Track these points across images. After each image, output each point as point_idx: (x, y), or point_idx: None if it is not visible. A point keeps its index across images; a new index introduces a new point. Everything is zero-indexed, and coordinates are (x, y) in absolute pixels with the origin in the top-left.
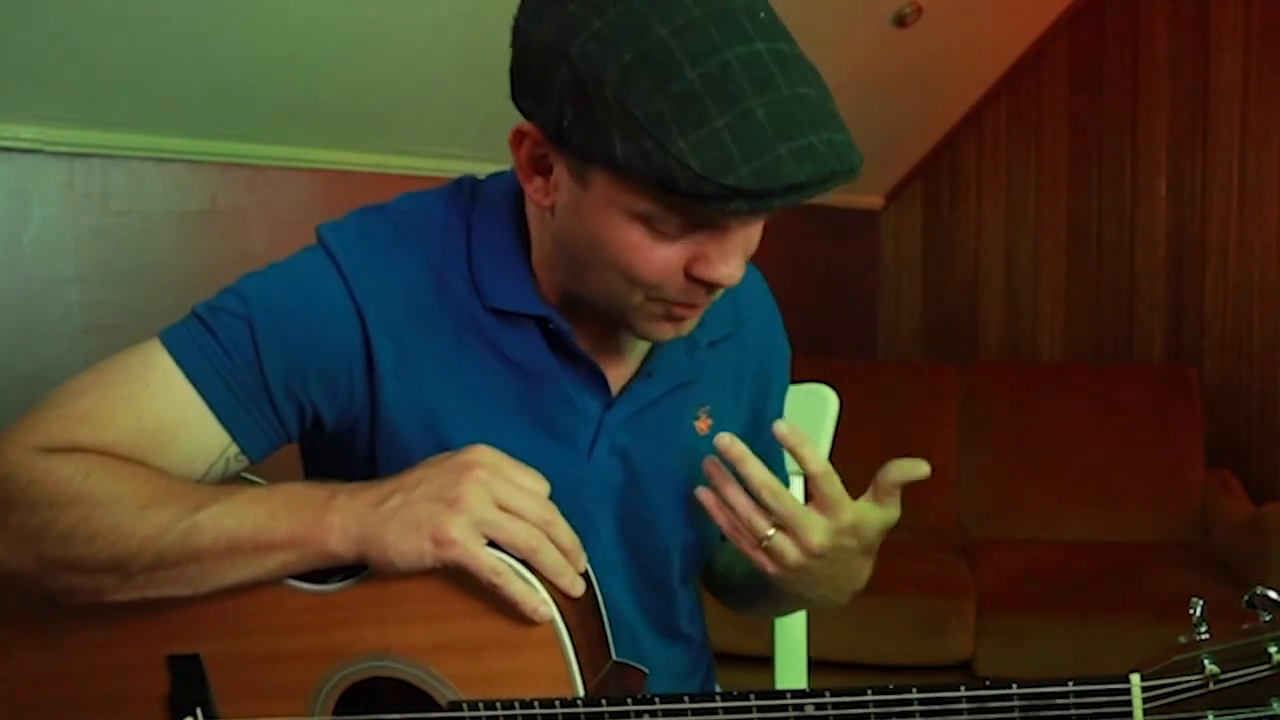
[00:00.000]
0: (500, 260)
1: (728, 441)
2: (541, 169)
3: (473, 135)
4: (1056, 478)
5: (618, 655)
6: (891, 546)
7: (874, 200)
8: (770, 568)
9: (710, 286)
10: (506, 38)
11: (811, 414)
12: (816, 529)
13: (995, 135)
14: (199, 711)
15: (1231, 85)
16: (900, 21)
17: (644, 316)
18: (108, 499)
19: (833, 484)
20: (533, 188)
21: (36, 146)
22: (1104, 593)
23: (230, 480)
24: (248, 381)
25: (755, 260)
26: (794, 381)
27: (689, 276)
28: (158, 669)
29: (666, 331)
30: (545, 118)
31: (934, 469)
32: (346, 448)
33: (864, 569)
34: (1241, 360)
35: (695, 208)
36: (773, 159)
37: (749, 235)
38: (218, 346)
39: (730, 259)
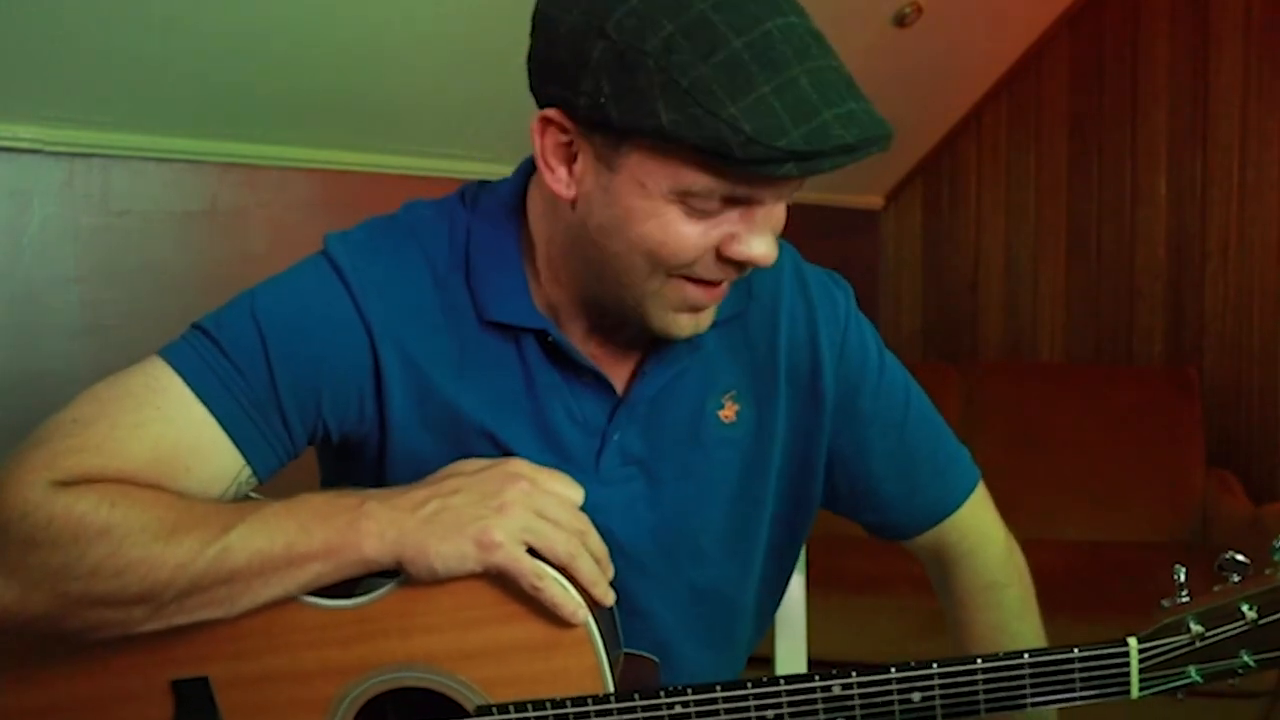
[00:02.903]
0: (498, 271)
1: None
2: (565, 157)
3: (473, 135)
4: (1056, 478)
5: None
6: (892, 546)
7: (874, 200)
8: None
9: (742, 266)
10: (506, 38)
11: None
12: None
13: (995, 135)
14: None
15: (1231, 85)
16: (900, 21)
17: (662, 305)
18: (135, 529)
19: None
20: (554, 178)
21: (36, 146)
22: (1104, 593)
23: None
24: (261, 401)
25: None
26: None
27: (721, 258)
28: (161, 695)
29: (685, 325)
30: (577, 98)
31: None
32: (353, 458)
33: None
34: (1241, 360)
35: (741, 175)
36: (820, 123)
37: (777, 213)
38: (230, 366)
39: (764, 235)
